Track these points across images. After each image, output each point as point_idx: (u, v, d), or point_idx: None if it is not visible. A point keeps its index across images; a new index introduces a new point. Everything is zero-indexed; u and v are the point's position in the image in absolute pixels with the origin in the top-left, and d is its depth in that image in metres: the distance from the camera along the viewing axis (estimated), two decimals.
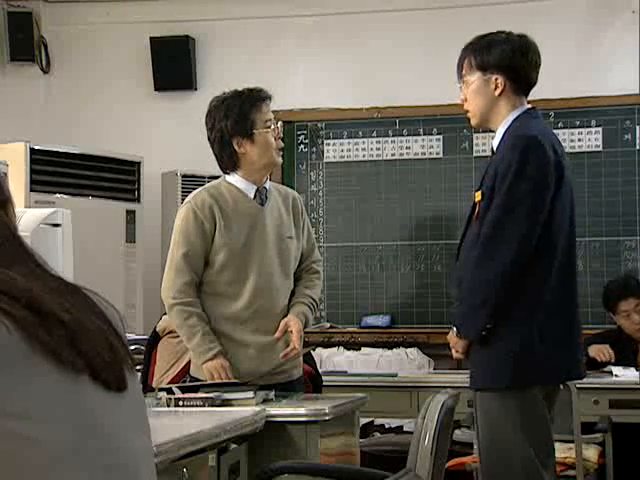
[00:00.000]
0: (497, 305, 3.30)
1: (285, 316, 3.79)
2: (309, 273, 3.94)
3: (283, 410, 3.30)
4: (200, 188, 3.90)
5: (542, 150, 3.32)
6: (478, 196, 3.40)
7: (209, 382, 3.60)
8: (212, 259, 3.74)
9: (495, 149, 3.47)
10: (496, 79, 3.44)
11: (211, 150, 3.86)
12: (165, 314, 4.43)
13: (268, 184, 3.87)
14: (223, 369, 3.65)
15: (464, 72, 3.49)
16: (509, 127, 3.43)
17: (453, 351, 3.48)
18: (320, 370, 4.53)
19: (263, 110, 3.79)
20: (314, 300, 3.89)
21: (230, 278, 3.74)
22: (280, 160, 3.90)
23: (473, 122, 3.56)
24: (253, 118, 3.75)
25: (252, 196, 3.81)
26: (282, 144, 3.87)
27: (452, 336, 3.45)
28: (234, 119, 3.74)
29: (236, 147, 3.76)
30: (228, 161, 3.80)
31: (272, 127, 3.80)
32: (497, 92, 3.44)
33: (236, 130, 3.74)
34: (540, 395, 3.34)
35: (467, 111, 3.53)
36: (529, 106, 3.50)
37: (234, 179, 3.82)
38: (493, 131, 3.54)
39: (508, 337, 3.31)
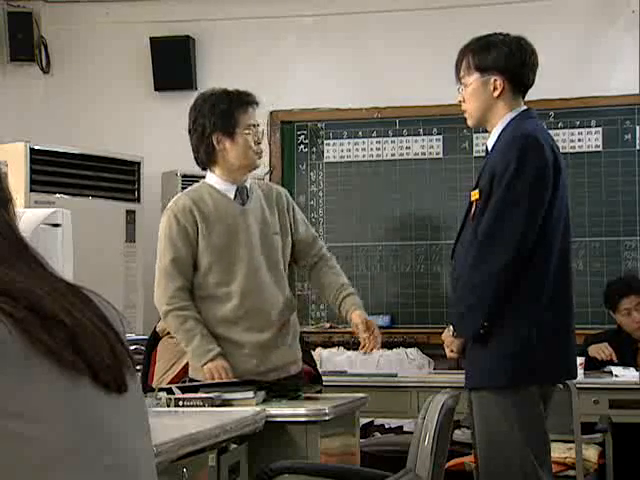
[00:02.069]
0: (494, 305, 3.30)
1: (279, 312, 3.80)
2: (325, 260, 3.97)
3: (283, 410, 3.30)
4: (180, 193, 3.95)
5: (540, 150, 3.32)
6: (475, 195, 3.40)
7: (209, 382, 3.60)
8: (199, 262, 3.76)
9: (490, 149, 3.47)
10: (495, 80, 3.44)
11: None
12: None
13: (249, 183, 3.89)
14: (224, 370, 3.66)
15: (462, 73, 3.50)
16: (505, 127, 3.43)
17: (447, 350, 3.47)
18: (320, 370, 4.53)
19: (248, 112, 3.82)
20: (351, 285, 3.97)
21: (217, 279, 3.75)
22: (260, 162, 3.93)
23: (470, 123, 3.57)
24: (237, 118, 3.78)
25: (232, 196, 3.83)
26: (261, 149, 3.88)
27: (447, 335, 3.45)
28: (218, 115, 3.77)
29: (215, 143, 3.78)
30: (204, 155, 3.82)
31: (254, 130, 3.82)
32: (496, 93, 3.44)
33: (218, 126, 3.77)
34: (537, 394, 3.34)
35: (464, 111, 3.54)
36: (525, 107, 3.50)
37: (213, 180, 3.84)
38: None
39: (505, 336, 3.31)
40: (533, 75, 3.51)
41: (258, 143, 3.83)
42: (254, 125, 3.83)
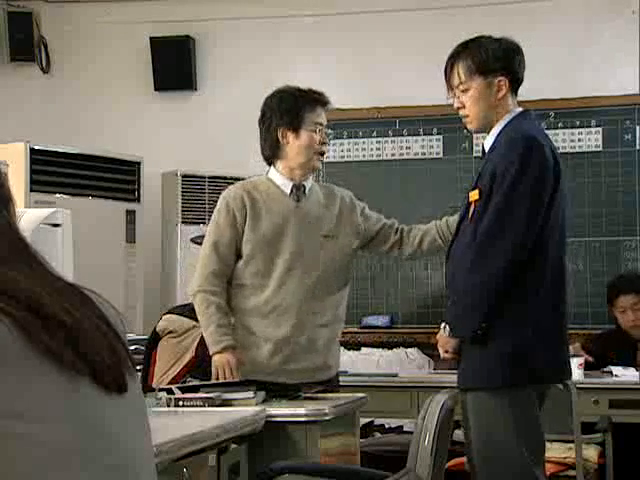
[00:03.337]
0: (492, 306, 3.29)
1: (311, 313, 3.79)
2: (406, 226, 4.04)
3: (283, 410, 3.30)
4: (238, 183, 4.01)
5: (542, 151, 3.31)
6: (475, 195, 3.38)
7: (209, 382, 3.61)
8: (242, 250, 3.81)
9: (488, 150, 3.45)
10: (499, 81, 3.42)
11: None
12: (165, 314, 4.46)
13: (309, 183, 3.91)
14: (229, 366, 3.69)
15: (463, 78, 3.44)
16: (504, 128, 3.42)
17: (441, 350, 3.45)
18: None
19: (316, 111, 3.86)
20: None
21: (256, 269, 3.79)
22: (319, 165, 3.95)
23: (472, 126, 3.50)
24: (303, 115, 3.83)
25: (288, 192, 3.86)
26: (325, 150, 3.91)
27: (442, 336, 3.43)
28: (286, 109, 3.82)
29: (280, 136, 3.83)
30: (268, 149, 3.87)
31: (319, 129, 3.84)
32: (500, 94, 3.42)
33: (284, 120, 3.82)
34: (533, 394, 3.34)
35: (466, 117, 3.50)
36: (521, 108, 3.49)
37: (274, 175, 3.89)
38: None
39: (503, 337, 3.29)
40: (524, 73, 3.52)
41: (323, 143, 3.86)
42: (320, 124, 3.86)
